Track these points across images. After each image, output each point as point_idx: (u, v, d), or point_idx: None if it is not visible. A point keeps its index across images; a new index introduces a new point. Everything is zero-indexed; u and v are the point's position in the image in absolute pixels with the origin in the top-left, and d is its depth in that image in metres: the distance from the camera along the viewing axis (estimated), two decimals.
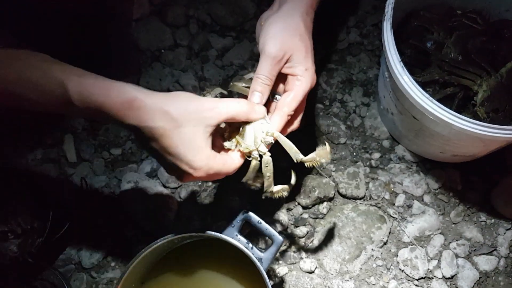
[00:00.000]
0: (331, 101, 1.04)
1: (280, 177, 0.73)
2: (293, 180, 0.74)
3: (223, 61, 1.08)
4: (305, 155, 0.68)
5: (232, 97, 0.72)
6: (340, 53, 1.08)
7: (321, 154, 0.67)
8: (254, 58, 1.08)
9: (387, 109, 0.93)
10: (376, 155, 0.99)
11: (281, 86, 0.74)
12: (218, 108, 0.63)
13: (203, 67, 1.08)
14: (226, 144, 0.69)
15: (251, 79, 0.72)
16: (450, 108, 0.73)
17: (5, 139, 1.00)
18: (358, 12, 1.10)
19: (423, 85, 0.85)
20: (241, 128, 0.69)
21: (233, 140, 0.69)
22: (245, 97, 0.71)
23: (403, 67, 0.74)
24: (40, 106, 0.63)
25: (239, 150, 0.68)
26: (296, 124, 0.73)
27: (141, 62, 1.09)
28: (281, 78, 0.72)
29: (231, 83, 0.75)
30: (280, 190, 0.71)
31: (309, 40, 0.71)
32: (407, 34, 0.90)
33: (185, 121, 0.61)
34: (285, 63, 0.69)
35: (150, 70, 1.08)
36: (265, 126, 0.68)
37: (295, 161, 0.68)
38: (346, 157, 1.00)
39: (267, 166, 0.69)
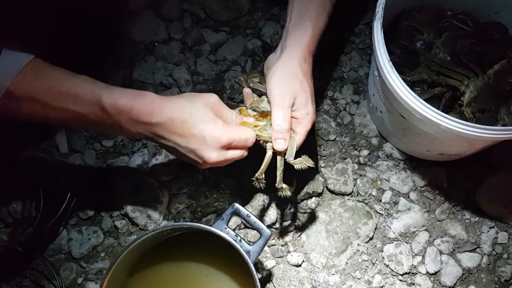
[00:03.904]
0: (322, 98, 1.05)
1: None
2: (294, 183, 0.83)
3: (216, 56, 1.09)
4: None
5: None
6: (332, 51, 1.09)
7: (306, 160, 0.76)
8: (247, 54, 1.09)
9: (376, 107, 0.94)
10: (365, 152, 1.01)
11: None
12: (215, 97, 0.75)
13: (196, 62, 1.09)
14: (250, 112, 0.80)
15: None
16: (437, 108, 0.75)
17: None
18: (350, 11, 1.11)
19: (412, 85, 0.87)
20: (265, 121, 0.79)
21: (256, 122, 0.79)
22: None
23: (392, 66, 0.76)
24: (71, 115, 0.72)
25: (258, 136, 0.77)
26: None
27: (134, 55, 1.09)
28: None
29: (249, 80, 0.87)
30: (286, 188, 0.78)
31: (309, 85, 0.78)
32: (397, 34, 0.92)
33: (196, 107, 0.72)
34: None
35: (143, 63, 1.09)
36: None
37: (286, 160, 0.76)
38: (335, 153, 1.01)
39: (281, 159, 0.77)
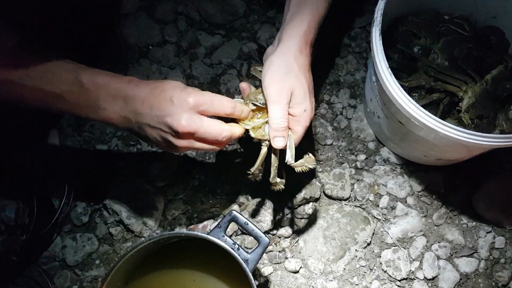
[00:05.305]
0: (318, 103, 1.04)
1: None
2: (284, 177, 0.79)
3: (211, 59, 1.08)
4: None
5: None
6: (328, 55, 1.08)
7: (308, 161, 0.74)
8: (242, 57, 1.08)
9: (374, 112, 0.93)
10: (362, 156, 1.00)
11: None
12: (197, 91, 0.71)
13: (191, 65, 1.08)
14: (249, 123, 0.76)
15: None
16: (435, 114, 0.75)
17: None
18: (346, 15, 1.10)
19: (409, 90, 0.86)
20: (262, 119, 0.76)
21: (253, 121, 0.76)
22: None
23: (391, 73, 0.75)
24: (47, 95, 0.71)
25: (254, 135, 0.76)
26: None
27: (128, 58, 1.08)
28: None
29: (252, 68, 0.83)
30: (279, 182, 0.77)
31: (305, 78, 0.74)
32: (394, 39, 0.91)
33: (169, 88, 0.70)
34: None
35: (137, 66, 1.07)
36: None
37: (287, 163, 0.74)
38: (332, 158, 1.00)
39: (276, 156, 0.76)
